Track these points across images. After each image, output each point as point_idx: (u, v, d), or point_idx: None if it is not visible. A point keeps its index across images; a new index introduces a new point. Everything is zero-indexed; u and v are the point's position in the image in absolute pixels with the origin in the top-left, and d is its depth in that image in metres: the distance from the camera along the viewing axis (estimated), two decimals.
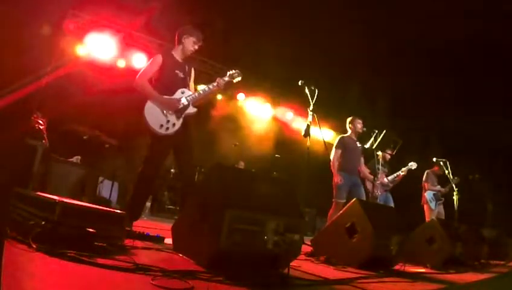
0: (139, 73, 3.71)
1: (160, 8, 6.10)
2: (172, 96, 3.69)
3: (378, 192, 5.95)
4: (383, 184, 6.52)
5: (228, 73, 3.89)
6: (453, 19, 7.32)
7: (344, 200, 5.34)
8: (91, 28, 7.20)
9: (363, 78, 8.46)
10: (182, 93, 3.71)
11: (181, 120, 3.63)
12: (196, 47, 3.87)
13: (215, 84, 3.76)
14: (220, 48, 7.46)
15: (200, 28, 3.88)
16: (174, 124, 3.59)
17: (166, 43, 7.16)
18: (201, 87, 3.81)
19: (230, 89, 3.52)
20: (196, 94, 3.74)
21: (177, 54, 3.87)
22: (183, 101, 3.67)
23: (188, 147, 3.78)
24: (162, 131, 3.53)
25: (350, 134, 5.86)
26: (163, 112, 3.59)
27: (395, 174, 6.78)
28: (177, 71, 3.77)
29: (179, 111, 3.64)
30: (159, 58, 3.73)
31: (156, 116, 3.55)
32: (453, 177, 7.08)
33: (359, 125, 5.82)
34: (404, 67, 8.25)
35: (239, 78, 3.92)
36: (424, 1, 7.35)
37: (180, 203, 4.11)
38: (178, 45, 3.88)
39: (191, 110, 3.71)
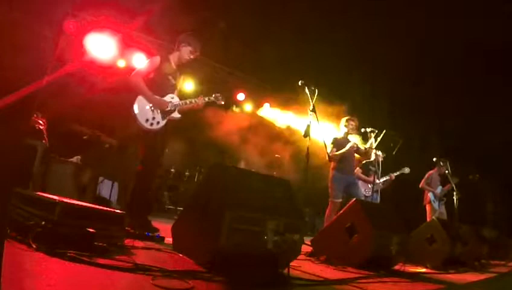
0: (135, 71, 3.92)
1: (160, 8, 6.10)
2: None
3: (372, 192, 5.96)
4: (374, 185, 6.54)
5: (213, 95, 4.16)
6: (454, 20, 7.32)
7: (340, 200, 5.36)
8: (91, 28, 7.20)
9: (363, 78, 8.45)
10: (172, 98, 3.94)
11: (165, 121, 3.85)
12: (192, 56, 4.05)
13: (198, 101, 4.00)
14: (221, 48, 7.46)
15: (199, 37, 4.07)
16: (158, 122, 3.81)
17: (167, 43, 7.16)
18: (188, 99, 4.06)
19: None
20: (182, 102, 3.97)
21: (173, 60, 4.05)
22: (171, 106, 3.89)
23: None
24: (147, 125, 3.74)
25: (344, 134, 5.86)
26: (151, 109, 3.80)
27: (386, 177, 6.76)
28: (170, 77, 3.98)
29: (165, 112, 3.86)
30: (157, 61, 3.91)
31: (144, 112, 3.76)
32: (453, 177, 7.09)
33: (352, 126, 5.81)
34: (404, 67, 8.25)
35: (222, 103, 4.21)
36: (424, 1, 7.35)
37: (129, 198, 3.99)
38: (176, 50, 4.07)
39: (176, 115, 3.94)
